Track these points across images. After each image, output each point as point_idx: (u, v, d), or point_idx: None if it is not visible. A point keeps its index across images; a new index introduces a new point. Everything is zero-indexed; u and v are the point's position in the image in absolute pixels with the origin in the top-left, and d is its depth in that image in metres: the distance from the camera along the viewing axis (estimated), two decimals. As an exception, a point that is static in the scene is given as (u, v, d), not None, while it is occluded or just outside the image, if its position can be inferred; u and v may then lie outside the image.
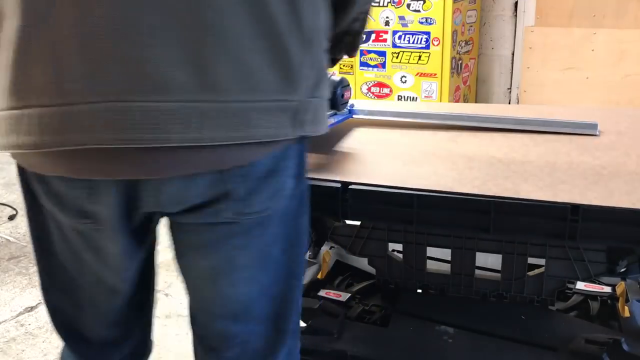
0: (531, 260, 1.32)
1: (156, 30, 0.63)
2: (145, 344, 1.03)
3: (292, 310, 0.88)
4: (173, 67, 0.64)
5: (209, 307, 0.88)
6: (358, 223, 1.42)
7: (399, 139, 1.27)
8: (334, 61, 1.18)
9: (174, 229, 0.83)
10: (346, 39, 1.02)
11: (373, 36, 3.19)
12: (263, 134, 0.69)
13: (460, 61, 3.27)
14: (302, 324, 1.40)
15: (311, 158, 1.18)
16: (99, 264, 0.84)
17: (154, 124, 0.64)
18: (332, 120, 1.26)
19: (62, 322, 0.94)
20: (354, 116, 1.35)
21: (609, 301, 1.36)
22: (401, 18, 3.09)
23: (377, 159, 1.15)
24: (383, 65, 3.23)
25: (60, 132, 0.66)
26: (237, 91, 0.66)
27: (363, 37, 1.07)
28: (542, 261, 1.31)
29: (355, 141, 1.27)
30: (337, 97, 1.20)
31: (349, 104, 1.32)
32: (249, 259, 0.81)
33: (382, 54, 3.21)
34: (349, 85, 1.24)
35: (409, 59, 3.16)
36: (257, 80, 0.67)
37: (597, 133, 1.20)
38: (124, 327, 0.96)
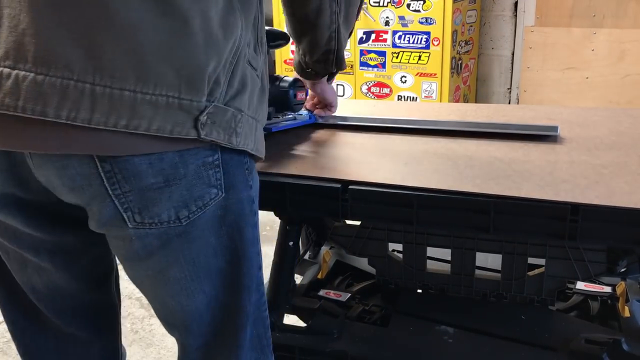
0: (531, 260, 1.32)
1: (51, 2, 0.64)
2: (110, 351, 1.04)
3: (244, 324, 0.86)
4: (62, 45, 0.64)
5: (160, 316, 0.88)
6: (358, 223, 1.42)
7: (399, 138, 1.27)
8: (330, 75, 1.23)
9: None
10: (330, 57, 1.11)
11: (373, 36, 3.19)
12: (147, 125, 0.67)
13: (460, 61, 3.27)
14: (303, 323, 1.41)
15: (312, 157, 1.18)
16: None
17: (34, 95, 0.65)
18: (285, 123, 1.27)
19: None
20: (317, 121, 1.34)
21: (609, 301, 1.36)
22: (401, 18, 3.09)
23: (377, 158, 1.15)
24: (383, 65, 3.23)
25: None
26: (128, 80, 0.66)
27: (344, 51, 1.11)
28: (542, 261, 1.31)
29: (356, 141, 1.27)
30: (290, 98, 1.20)
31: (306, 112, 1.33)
32: (180, 272, 0.80)
33: (382, 54, 3.21)
34: (303, 86, 1.24)
35: (409, 59, 3.16)
36: (150, 73, 0.67)
37: (557, 133, 1.20)
38: (76, 319, 0.96)
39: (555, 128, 1.21)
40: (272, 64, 1.27)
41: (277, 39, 1.16)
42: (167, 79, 0.68)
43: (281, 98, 1.21)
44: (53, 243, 0.84)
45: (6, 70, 0.65)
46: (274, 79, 1.22)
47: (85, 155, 0.69)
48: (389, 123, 1.31)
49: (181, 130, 0.70)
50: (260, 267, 0.88)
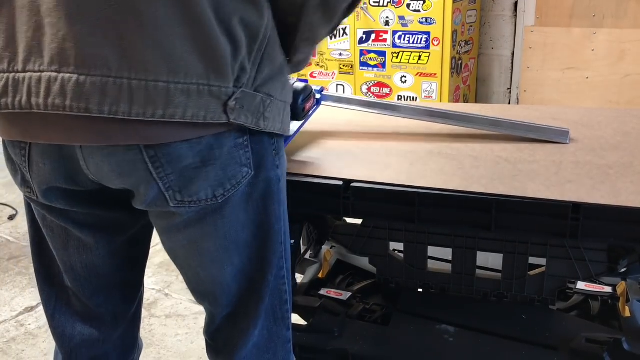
0: (532, 260, 1.32)
1: (84, 10, 0.71)
2: (131, 338, 1.10)
3: (265, 294, 0.92)
4: (99, 46, 0.71)
5: (191, 287, 0.95)
6: (359, 222, 1.43)
7: (404, 138, 1.27)
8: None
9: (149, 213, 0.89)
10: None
11: (373, 36, 3.19)
12: (182, 114, 0.73)
13: (460, 61, 3.27)
14: (303, 322, 1.41)
15: (317, 156, 1.18)
16: (49, 232, 0.95)
17: (78, 94, 0.72)
18: (296, 126, 1.21)
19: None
20: (323, 103, 1.29)
21: (609, 301, 1.36)
22: (401, 18, 3.09)
23: (383, 158, 1.15)
24: (383, 65, 3.23)
25: (4, 96, 0.75)
26: (160, 72, 0.71)
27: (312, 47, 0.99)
28: (543, 261, 1.31)
29: (361, 139, 1.27)
30: (298, 110, 1.14)
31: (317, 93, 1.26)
32: (213, 245, 0.86)
33: (382, 54, 3.21)
34: (312, 93, 1.18)
35: (409, 59, 3.16)
36: (178, 63, 0.72)
37: (568, 141, 1.19)
38: (108, 307, 1.02)
39: (566, 133, 1.21)
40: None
41: None
42: (195, 68, 0.72)
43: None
44: (96, 219, 0.91)
45: (53, 74, 0.72)
46: None
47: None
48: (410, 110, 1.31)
49: (214, 115, 0.75)
50: (282, 243, 0.93)
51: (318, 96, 1.25)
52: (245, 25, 0.75)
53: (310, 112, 1.23)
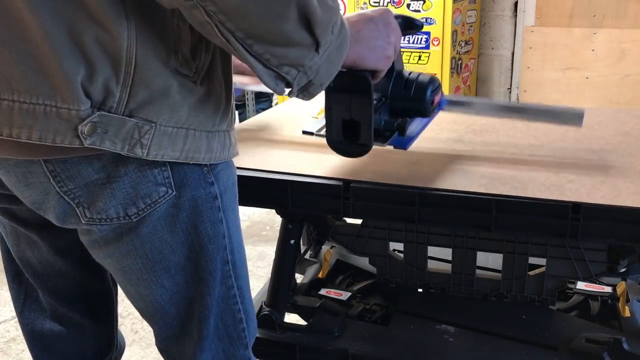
0: (532, 260, 1.32)
1: None
2: (107, 337, 1.09)
3: (206, 316, 0.88)
4: None
5: (131, 302, 0.92)
6: (359, 222, 1.43)
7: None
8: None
9: None
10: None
11: (373, 36, 3.18)
12: (28, 134, 0.69)
13: (460, 61, 3.27)
14: (303, 322, 1.41)
15: (317, 156, 1.18)
16: None
17: None
18: (422, 124, 1.09)
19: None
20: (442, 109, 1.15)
21: (609, 301, 1.36)
22: (401, 18, 3.09)
23: (384, 158, 1.15)
24: (383, 65, 3.23)
25: None
26: (3, 90, 0.69)
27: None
28: (543, 261, 1.31)
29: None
30: (426, 104, 0.99)
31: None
32: (134, 264, 0.83)
33: (382, 53, 3.21)
34: (440, 86, 1.02)
35: (409, 59, 3.16)
36: (21, 82, 0.68)
37: (582, 124, 1.12)
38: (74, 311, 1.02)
39: (581, 115, 1.12)
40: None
41: (407, 29, 0.99)
42: (41, 87, 0.68)
43: (416, 105, 1.00)
44: (37, 216, 0.85)
45: None
46: (402, 81, 0.99)
47: None
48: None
49: (63, 139, 0.69)
50: (227, 262, 0.88)
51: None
52: (102, 46, 0.69)
53: (434, 114, 1.09)
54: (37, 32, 0.67)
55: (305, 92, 0.77)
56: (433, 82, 1.00)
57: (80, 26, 0.68)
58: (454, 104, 1.17)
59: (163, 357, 0.97)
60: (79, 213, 0.77)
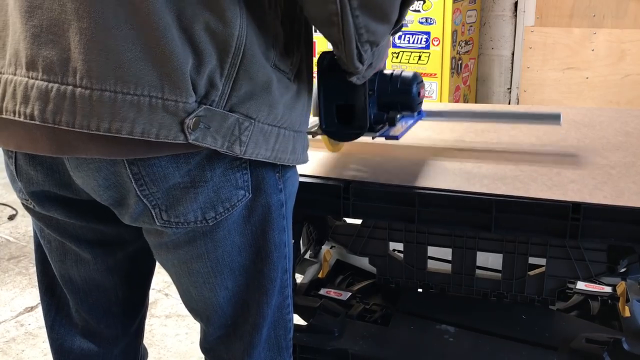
0: (532, 260, 1.32)
1: (36, 7, 0.66)
2: (133, 352, 1.06)
3: (260, 324, 0.86)
4: (44, 46, 0.65)
5: (185, 303, 0.90)
6: (359, 222, 1.42)
7: (405, 138, 1.27)
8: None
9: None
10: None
11: (373, 36, 3.19)
12: (130, 129, 0.65)
13: (460, 61, 3.27)
14: (303, 322, 1.41)
15: (318, 156, 1.18)
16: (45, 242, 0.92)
17: (25, 100, 0.67)
18: (406, 125, 1.11)
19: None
20: (422, 118, 1.20)
21: (609, 301, 1.36)
22: (401, 18, 3.09)
23: (384, 158, 1.15)
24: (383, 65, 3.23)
25: None
26: (106, 80, 0.64)
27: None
28: (542, 261, 1.31)
29: (361, 139, 1.27)
30: (413, 97, 1.01)
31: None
32: (204, 267, 0.81)
33: (382, 53, 3.21)
34: (422, 81, 1.05)
35: (409, 59, 3.16)
36: (128, 71, 0.64)
37: (560, 123, 1.17)
38: (111, 321, 0.99)
39: (558, 115, 1.17)
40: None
41: None
42: (148, 77, 0.64)
43: (402, 98, 1.02)
44: (94, 233, 0.86)
45: (10, 77, 0.69)
46: (387, 77, 1.02)
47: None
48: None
49: (168, 134, 0.66)
50: (286, 271, 0.87)
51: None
52: (211, 35, 0.66)
53: (415, 118, 1.14)
54: (147, 16, 0.63)
55: (363, 74, 0.79)
56: (417, 77, 1.02)
57: (191, 11, 0.64)
58: (431, 115, 1.22)
59: (207, 357, 0.95)
60: (154, 215, 0.74)
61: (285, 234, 0.85)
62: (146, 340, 1.99)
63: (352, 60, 0.72)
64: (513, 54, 3.51)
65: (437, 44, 3.07)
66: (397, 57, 3.17)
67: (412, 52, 3.14)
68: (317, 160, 1.16)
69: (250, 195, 0.77)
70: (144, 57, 0.64)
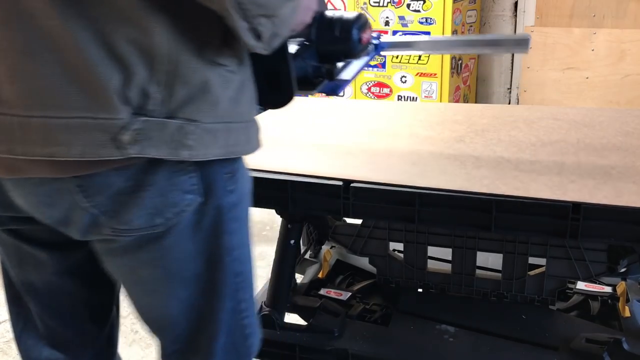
0: (532, 260, 1.32)
1: None
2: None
3: (217, 331, 0.85)
4: None
5: (139, 316, 0.88)
6: (359, 222, 1.42)
7: (406, 138, 1.27)
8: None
9: None
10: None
11: (373, 36, 3.18)
12: (66, 152, 0.64)
13: (460, 61, 3.27)
14: (303, 322, 1.41)
15: (318, 157, 1.18)
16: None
17: None
18: (352, 72, 1.01)
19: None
20: (382, 53, 1.10)
21: (609, 301, 1.36)
22: (401, 18, 3.09)
23: (384, 159, 1.15)
24: (383, 65, 3.22)
25: None
26: (33, 105, 0.64)
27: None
28: (542, 261, 1.31)
29: (362, 139, 1.27)
30: (353, 44, 0.91)
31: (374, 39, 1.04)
32: (152, 274, 0.79)
33: (382, 53, 3.21)
34: (367, 22, 0.94)
35: (409, 59, 3.16)
36: (53, 95, 0.64)
37: (527, 50, 1.05)
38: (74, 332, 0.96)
39: (526, 40, 1.06)
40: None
41: None
42: (76, 99, 0.64)
43: (342, 47, 0.93)
44: (48, 234, 0.81)
45: None
46: (326, 22, 0.91)
47: None
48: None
49: (104, 151, 0.65)
50: (239, 273, 0.85)
51: (376, 42, 1.07)
52: (135, 46, 0.64)
53: (370, 56, 1.05)
54: (65, 39, 0.62)
55: (267, 45, 0.71)
56: (359, 19, 0.92)
57: (109, 27, 0.63)
58: (395, 46, 1.13)
59: None
60: (103, 222, 0.72)
61: (237, 236, 0.83)
62: (146, 340, 1.99)
63: (244, 35, 0.68)
64: (513, 54, 3.51)
65: (437, 44, 3.07)
66: (397, 57, 3.17)
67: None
68: (316, 160, 1.16)
69: (201, 200, 0.76)
70: (68, 80, 0.63)
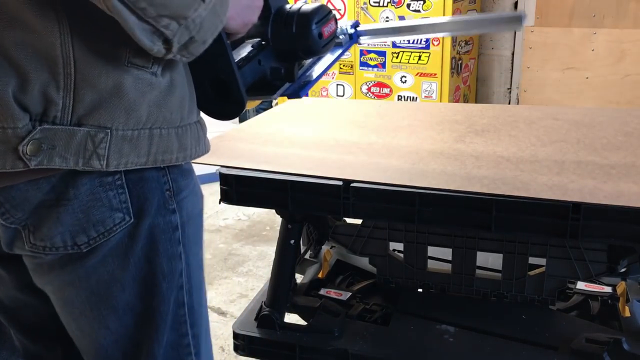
0: (532, 260, 1.32)
1: None
2: None
3: None
4: None
5: (72, 338, 0.81)
6: (359, 222, 1.42)
7: (406, 138, 1.27)
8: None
9: None
10: None
11: (373, 36, 3.18)
12: None
13: (460, 61, 3.27)
14: (303, 322, 1.41)
15: (318, 157, 1.18)
16: None
17: None
18: (318, 70, 0.93)
19: None
20: (361, 42, 1.03)
21: (609, 301, 1.36)
22: (401, 18, 3.09)
23: (384, 159, 1.15)
24: (383, 65, 3.22)
25: None
26: None
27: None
28: (542, 261, 1.31)
29: (362, 139, 1.27)
30: (313, 40, 0.82)
31: (349, 28, 0.98)
32: (77, 297, 0.72)
33: (382, 54, 3.21)
34: (329, 14, 0.86)
35: (408, 59, 3.16)
36: None
37: (521, 28, 1.05)
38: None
39: (519, 17, 0.96)
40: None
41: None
42: None
43: (301, 44, 0.84)
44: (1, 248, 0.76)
45: None
46: (282, 19, 0.84)
47: None
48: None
49: (4, 163, 0.61)
50: (181, 305, 0.77)
51: (352, 31, 0.98)
52: (28, 49, 0.59)
53: (344, 48, 0.96)
54: None
55: (185, 52, 0.63)
56: (318, 12, 0.83)
57: None
58: (374, 33, 1.04)
59: None
60: (24, 237, 0.67)
61: (180, 262, 0.75)
62: None
63: (142, 39, 0.59)
64: (513, 54, 3.51)
65: (437, 44, 3.07)
66: (397, 57, 3.18)
67: (412, 52, 3.14)
68: (316, 160, 1.16)
69: (132, 220, 0.69)
70: None
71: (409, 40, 3.12)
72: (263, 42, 0.84)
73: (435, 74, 3.12)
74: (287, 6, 0.84)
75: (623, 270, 1.27)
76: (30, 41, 0.59)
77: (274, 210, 1.31)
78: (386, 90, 3.27)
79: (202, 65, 0.75)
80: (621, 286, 1.35)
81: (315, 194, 1.07)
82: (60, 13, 0.59)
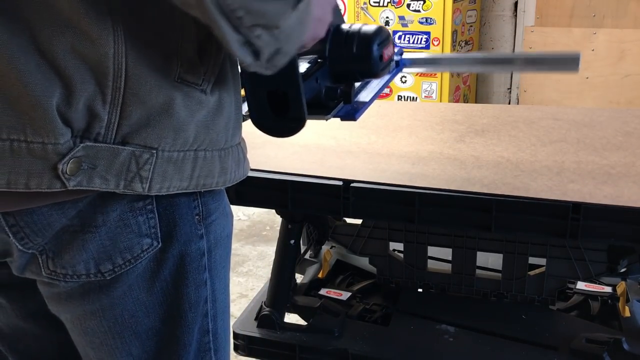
0: (532, 260, 1.32)
1: None
2: None
3: None
4: None
5: None
6: (359, 222, 1.43)
7: (406, 138, 1.27)
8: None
9: None
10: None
11: (373, 36, 3.18)
12: None
13: (461, 61, 3.27)
14: (303, 322, 1.41)
15: (318, 157, 1.18)
16: None
17: None
18: (371, 95, 0.90)
19: None
20: (404, 70, 1.00)
21: (609, 301, 1.36)
22: (401, 18, 3.09)
23: (384, 159, 1.15)
24: (383, 65, 3.23)
25: None
26: None
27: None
28: (543, 261, 1.31)
29: (362, 139, 1.27)
30: (374, 62, 0.79)
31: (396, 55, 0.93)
32: (99, 327, 0.68)
33: (382, 53, 3.21)
34: (389, 37, 0.83)
35: (409, 59, 3.16)
36: None
37: (577, 69, 0.98)
38: None
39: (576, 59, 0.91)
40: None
41: None
42: (4, 117, 0.53)
43: (360, 66, 0.81)
44: (4, 275, 0.71)
45: None
46: (342, 37, 0.80)
47: None
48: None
49: (40, 182, 0.55)
50: (206, 332, 0.74)
51: (397, 58, 0.94)
52: (80, 56, 0.54)
53: (392, 73, 0.93)
54: None
55: (270, 64, 0.58)
56: (380, 33, 0.80)
57: (47, 33, 0.53)
58: (418, 63, 1.01)
59: None
60: (41, 262, 0.63)
61: (205, 289, 0.72)
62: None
63: (237, 51, 0.54)
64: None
65: (437, 44, 3.07)
66: (397, 57, 3.18)
67: (412, 52, 3.14)
68: (317, 160, 1.16)
69: (160, 245, 0.65)
70: None
71: (409, 40, 3.12)
72: (319, 60, 0.81)
73: (435, 74, 3.13)
74: (345, 25, 0.82)
75: (623, 270, 1.27)
76: (82, 49, 0.54)
77: (274, 210, 1.31)
78: (386, 90, 3.28)
79: (264, 77, 0.68)
80: (621, 286, 1.35)
81: (315, 194, 1.07)
82: (116, 21, 0.55)
